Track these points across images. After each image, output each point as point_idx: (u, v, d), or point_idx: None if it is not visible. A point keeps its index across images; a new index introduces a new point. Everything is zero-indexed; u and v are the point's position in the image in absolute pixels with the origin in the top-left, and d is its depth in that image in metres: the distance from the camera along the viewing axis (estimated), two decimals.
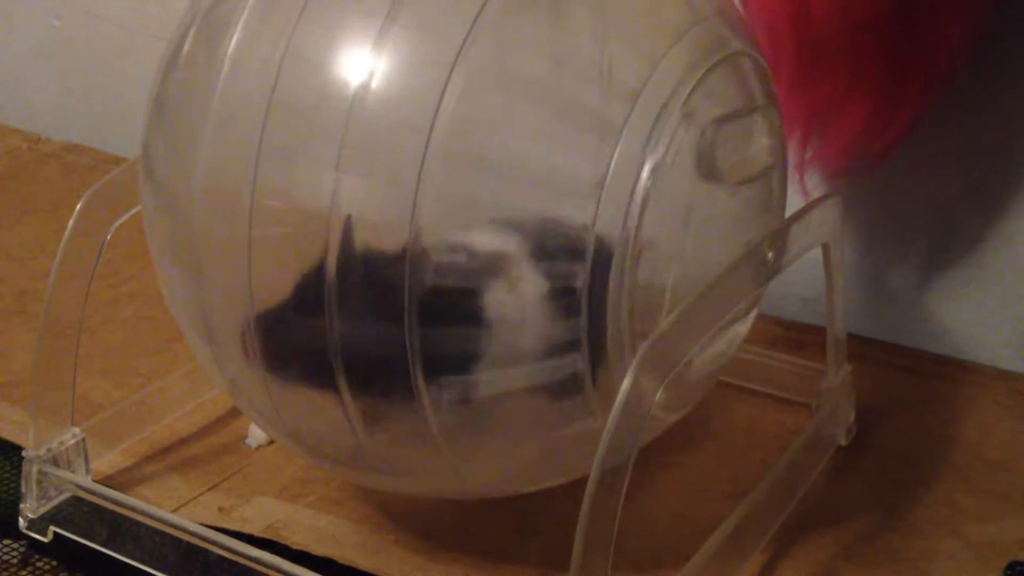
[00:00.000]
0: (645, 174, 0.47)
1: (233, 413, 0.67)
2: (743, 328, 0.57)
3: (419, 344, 0.47)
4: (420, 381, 0.48)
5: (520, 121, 0.47)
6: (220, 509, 0.60)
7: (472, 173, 0.47)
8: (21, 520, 0.59)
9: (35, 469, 0.59)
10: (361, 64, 0.47)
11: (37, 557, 0.58)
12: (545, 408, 0.50)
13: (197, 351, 0.55)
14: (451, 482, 0.53)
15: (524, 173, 0.47)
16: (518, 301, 0.47)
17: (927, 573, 0.56)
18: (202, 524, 0.56)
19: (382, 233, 0.47)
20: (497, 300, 0.47)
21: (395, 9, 0.48)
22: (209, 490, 0.62)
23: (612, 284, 0.47)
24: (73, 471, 0.60)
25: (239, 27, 0.50)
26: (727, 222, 0.52)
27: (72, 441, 0.60)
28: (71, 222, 0.58)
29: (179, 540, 0.55)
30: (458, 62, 0.47)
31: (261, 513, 0.60)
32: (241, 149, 0.49)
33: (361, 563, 0.56)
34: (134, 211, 0.59)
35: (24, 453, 0.59)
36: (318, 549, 0.57)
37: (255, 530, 0.58)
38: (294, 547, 0.57)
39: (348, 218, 0.47)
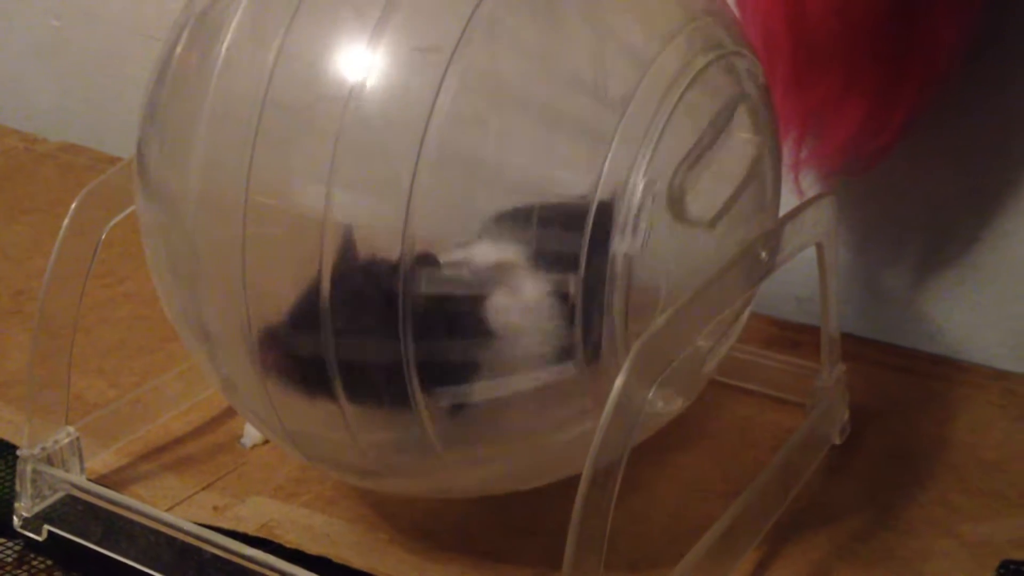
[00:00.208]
0: (638, 177, 0.47)
1: (228, 412, 0.67)
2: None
3: (414, 348, 0.47)
4: (416, 386, 0.48)
5: (513, 124, 0.47)
6: (215, 508, 0.60)
7: (466, 173, 0.47)
8: (16, 519, 0.59)
9: (30, 468, 0.59)
10: (355, 64, 0.47)
11: (33, 556, 0.58)
12: (540, 412, 0.50)
13: (192, 350, 0.55)
14: (446, 482, 0.53)
15: (518, 175, 0.47)
16: (512, 306, 0.47)
17: (921, 572, 0.56)
18: (196, 523, 0.56)
19: (376, 233, 0.47)
20: (491, 304, 0.47)
21: (389, 10, 0.48)
22: (204, 489, 0.62)
23: (607, 287, 0.48)
24: (68, 470, 0.60)
25: (232, 28, 0.50)
26: (721, 223, 0.52)
27: (67, 440, 0.60)
28: (66, 221, 0.58)
29: (173, 539, 0.55)
30: (452, 63, 0.47)
31: (255, 512, 0.60)
32: (235, 149, 0.49)
33: (356, 562, 0.56)
34: (129, 211, 0.59)
35: (19, 452, 0.59)
36: (312, 548, 0.57)
37: (249, 529, 0.58)
38: (288, 546, 0.57)
39: (346, 226, 0.47)
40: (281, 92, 0.48)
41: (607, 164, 0.47)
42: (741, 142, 0.52)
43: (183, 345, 0.56)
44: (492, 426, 0.50)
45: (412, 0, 0.48)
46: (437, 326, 0.47)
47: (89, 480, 0.60)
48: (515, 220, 0.47)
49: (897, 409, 0.68)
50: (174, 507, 0.60)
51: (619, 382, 0.45)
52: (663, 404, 0.53)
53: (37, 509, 0.59)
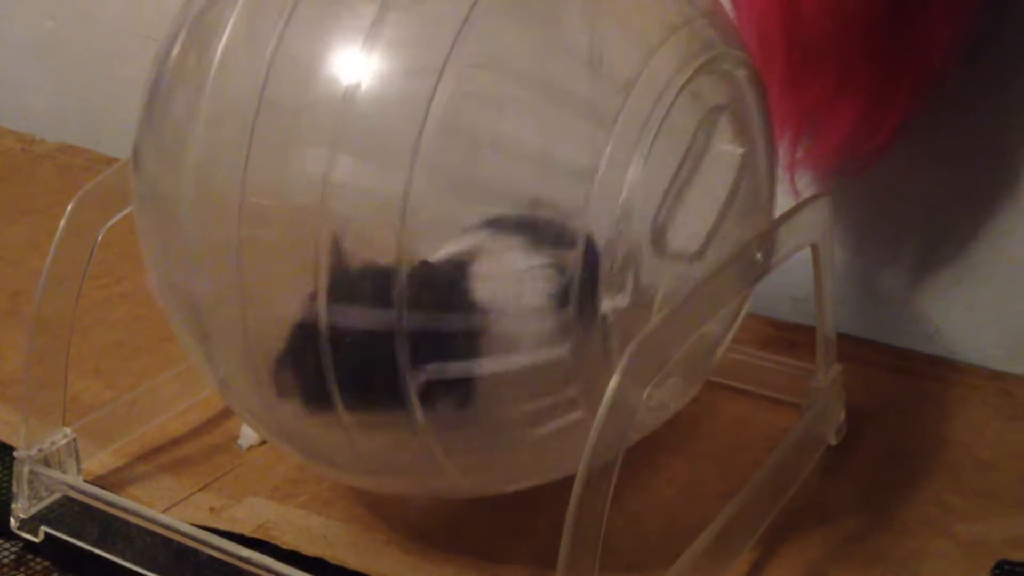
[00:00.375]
0: (633, 178, 0.47)
1: (225, 414, 0.67)
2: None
3: (410, 345, 0.47)
4: (411, 383, 0.48)
5: (512, 118, 0.47)
6: (211, 509, 0.60)
7: (463, 173, 0.47)
8: (13, 520, 0.59)
9: (26, 469, 0.59)
10: (350, 65, 0.47)
11: (30, 557, 0.58)
12: (536, 411, 0.50)
13: (188, 351, 0.55)
14: (442, 482, 0.53)
15: (516, 172, 0.47)
16: (510, 301, 0.47)
17: (916, 572, 0.56)
18: (193, 524, 0.56)
19: (372, 234, 0.47)
20: (489, 301, 0.47)
21: (384, 10, 0.48)
22: (200, 490, 0.62)
23: (602, 284, 0.48)
24: (64, 471, 0.60)
25: (229, 29, 0.50)
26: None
27: (63, 441, 0.60)
28: (62, 222, 0.59)
29: (170, 540, 0.55)
30: (447, 65, 0.47)
31: (252, 513, 0.60)
32: (231, 150, 0.49)
33: (352, 563, 0.56)
34: (126, 211, 0.59)
35: (15, 453, 0.59)
36: (309, 549, 0.57)
37: (246, 530, 0.58)
38: (285, 547, 0.57)
39: (342, 228, 0.47)
40: (277, 93, 0.48)
41: (604, 162, 0.47)
42: (725, 155, 0.52)
43: (179, 346, 0.57)
44: (487, 422, 0.50)
45: (407, 1, 0.48)
46: (433, 317, 0.47)
47: (86, 481, 0.60)
48: (512, 214, 0.47)
49: (893, 409, 0.68)
50: (171, 508, 0.60)
51: (614, 382, 0.45)
52: (667, 399, 0.54)
53: (34, 510, 0.59)
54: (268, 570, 0.52)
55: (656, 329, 0.47)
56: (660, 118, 0.48)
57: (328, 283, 0.47)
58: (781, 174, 0.66)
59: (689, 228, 0.51)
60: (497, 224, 0.47)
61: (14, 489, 0.59)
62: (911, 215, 0.72)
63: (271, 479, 0.62)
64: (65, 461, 0.60)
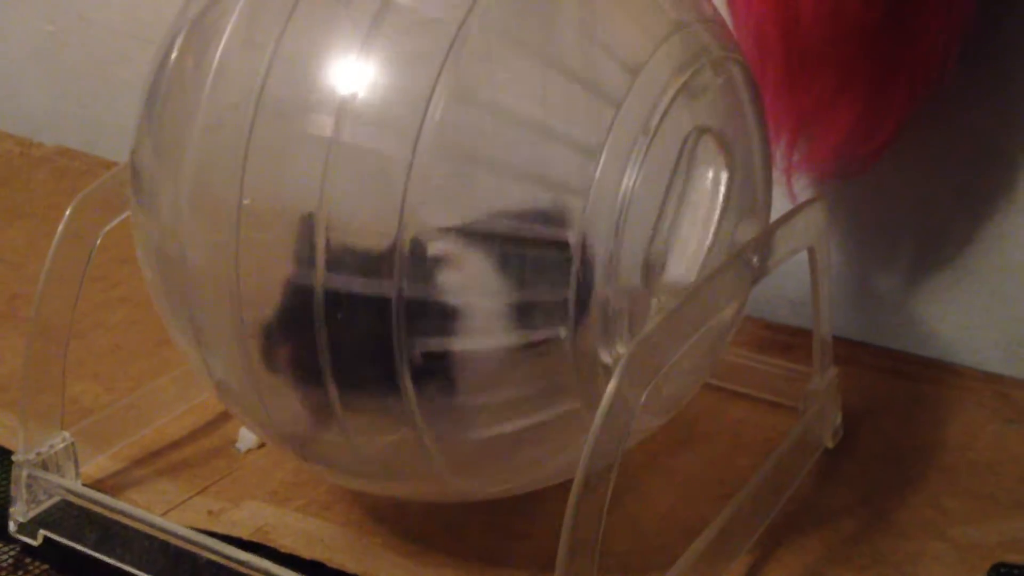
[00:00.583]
0: (628, 184, 0.48)
1: (223, 417, 0.67)
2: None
3: (407, 347, 0.47)
4: (408, 384, 0.48)
5: (506, 130, 0.47)
6: (209, 513, 0.60)
7: (459, 178, 0.47)
8: (11, 524, 0.59)
9: (24, 473, 0.59)
10: (348, 71, 0.48)
11: (29, 561, 0.58)
12: (527, 397, 0.50)
13: (186, 354, 0.55)
14: (440, 485, 0.53)
15: (511, 180, 0.47)
16: (508, 302, 0.48)
17: (912, 575, 0.56)
18: (191, 528, 0.56)
19: (370, 236, 0.47)
20: (486, 302, 0.47)
21: (381, 15, 0.48)
22: (198, 494, 0.62)
23: (597, 291, 0.48)
24: (62, 475, 0.60)
25: (227, 34, 0.50)
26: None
27: (61, 445, 0.60)
28: (61, 226, 0.59)
29: (168, 544, 0.55)
30: (444, 69, 0.47)
31: (250, 517, 0.60)
32: (228, 153, 0.49)
33: (350, 566, 0.56)
34: (124, 215, 0.59)
35: (13, 457, 0.59)
36: (307, 552, 0.57)
37: (244, 534, 0.58)
38: (283, 550, 0.57)
39: (340, 233, 0.47)
40: (274, 98, 0.48)
41: (600, 167, 0.47)
42: (710, 178, 0.53)
43: (177, 349, 0.57)
44: (484, 422, 0.50)
45: (405, 6, 0.48)
46: (430, 318, 0.47)
47: (84, 485, 0.60)
48: (508, 220, 0.47)
49: (889, 412, 0.68)
50: (169, 512, 0.60)
51: (612, 385, 0.45)
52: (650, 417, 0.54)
53: (32, 514, 0.59)
54: (266, 573, 0.52)
55: (654, 332, 0.47)
56: (656, 123, 0.48)
57: (325, 289, 0.48)
58: (778, 177, 0.66)
59: (683, 231, 0.51)
60: (491, 241, 0.47)
61: (12, 493, 0.59)
62: (907, 218, 0.73)
63: (269, 483, 0.62)
64: (63, 465, 0.60)
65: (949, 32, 0.65)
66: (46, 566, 0.58)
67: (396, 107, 0.47)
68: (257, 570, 0.52)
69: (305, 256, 0.47)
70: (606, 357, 0.49)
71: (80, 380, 0.70)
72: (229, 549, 0.54)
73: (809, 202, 0.58)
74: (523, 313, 0.48)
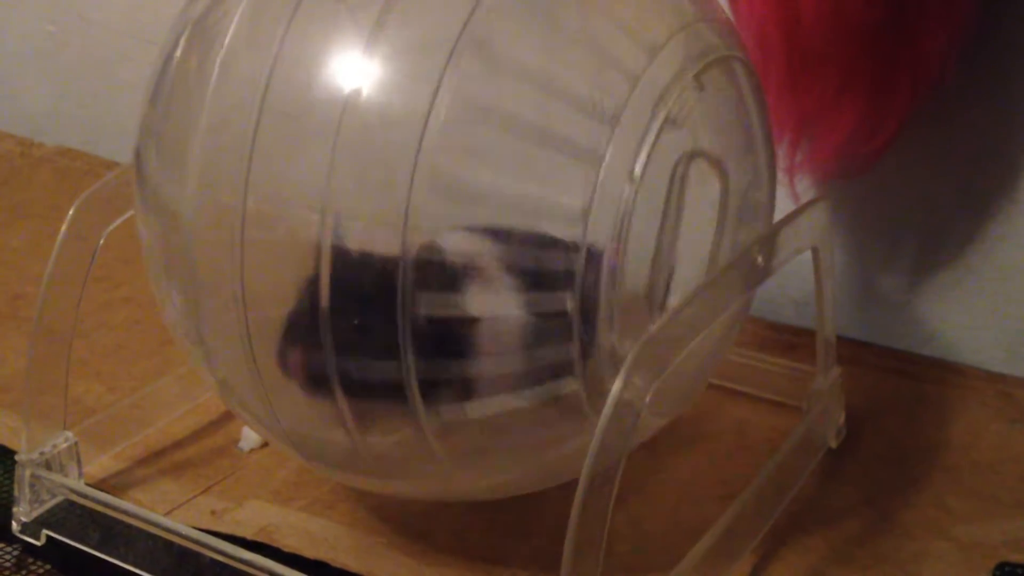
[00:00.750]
0: (630, 190, 0.48)
1: (226, 416, 0.67)
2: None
3: (414, 351, 0.47)
4: (415, 387, 0.48)
5: (509, 131, 0.47)
6: (213, 512, 0.60)
7: (466, 173, 0.47)
8: (14, 524, 0.59)
9: (28, 473, 0.59)
10: (351, 71, 0.48)
11: (31, 560, 0.58)
12: (539, 415, 0.50)
13: (189, 355, 0.55)
14: (445, 485, 0.53)
15: (513, 184, 0.47)
16: (509, 305, 0.48)
17: (916, 575, 0.56)
18: (195, 527, 0.56)
19: (375, 237, 0.47)
20: (489, 306, 0.47)
21: (385, 14, 0.48)
22: (202, 493, 0.62)
23: (603, 299, 0.48)
24: (66, 475, 0.60)
25: (230, 34, 0.50)
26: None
27: (65, 445, 0.60)
28: (64, 226, 0.59)
29: (171, 543, 0.55)
30: (448, 70, 0.47)
31: (254, 516, 0.60)
32: (232, 155, 0.49)
33: (354, 566, 0.56)
34: (127, 215, 0.59)
35: (17, 457, 0.59)
36: (310, 552, 0.57)
37: (247, 533, 0.58)
38: (286, 550, 0.57)
39: (344, 233, 0.47)
40: (278, 98, 0.48)
41: (602, 174, 0.47)
42: (705, 200, 0.53)
43: (180, 349, 0.57)
44: (490, 426, 0.50)
45: (408, 7, 0.48)
46: (436, 324, 0.47)
47: (87, 485, 0.60)
48: (510, 237, 0.47)
49: (893, 412, 0.68)
50: (172, 511, 0.60)
51: (616, 385, 0.45)
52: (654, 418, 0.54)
53: (35, 514, 0.59)
54: (270, 573, 0.52)
55: (659, 332, 0.47)
56: (661, 120, 0.48)
57: (330, 290, 0.48)
58: (781, 178, 0.66)
59: (686, 237, 0.51)
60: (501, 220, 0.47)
61: (15, 493, 0.59)
62: (910, 217, 0.73)
63: (272, 482, 0.62)
64: (66, 464, 0.60)
65: (950, 32, 0.65)
66: (49, 566, 0.58)
67: (399, 107, 0.47)
68: (260, 570, 0.52)
69: (310, 256, 0.47)
70: (606, 341, 0.49)
71: (83, 380, 0.70)
72: (232, 549, 0.53)
73: (813, 202, 0.58)
74: (530, 301, 0.48)
